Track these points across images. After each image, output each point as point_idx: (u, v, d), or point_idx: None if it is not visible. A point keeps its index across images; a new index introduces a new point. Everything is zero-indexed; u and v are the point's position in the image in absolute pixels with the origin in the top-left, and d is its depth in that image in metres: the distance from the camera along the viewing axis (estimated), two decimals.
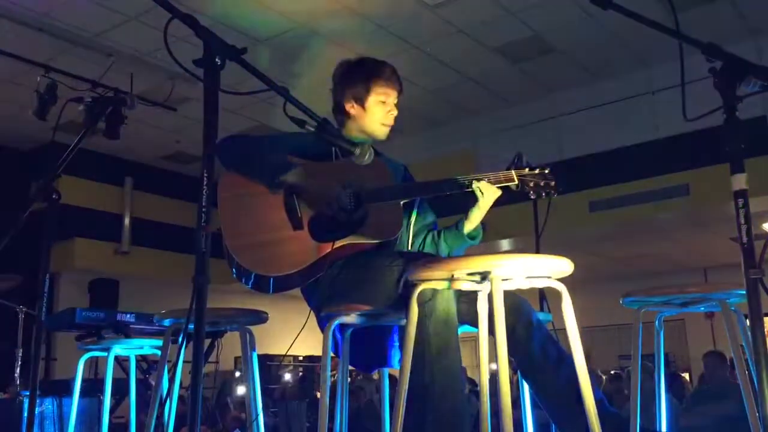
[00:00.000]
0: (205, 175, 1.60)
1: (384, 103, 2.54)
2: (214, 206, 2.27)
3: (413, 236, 2.61)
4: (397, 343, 2.43)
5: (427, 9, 6.88)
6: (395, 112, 2.58)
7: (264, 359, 11.10)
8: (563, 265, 1.86)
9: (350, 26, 7.11)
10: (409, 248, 2.58)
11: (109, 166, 10.28)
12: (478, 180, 2.36)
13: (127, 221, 10.39)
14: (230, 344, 3.43)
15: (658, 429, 2.69)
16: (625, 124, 8.39)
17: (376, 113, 2.54)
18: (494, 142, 9.10)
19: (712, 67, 1.65)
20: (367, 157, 2.06)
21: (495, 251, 8.15)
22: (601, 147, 8.50)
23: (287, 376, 11.77)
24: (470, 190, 2.37)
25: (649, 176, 8.07)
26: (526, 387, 2.49)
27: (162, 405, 2.76)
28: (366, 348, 2.48)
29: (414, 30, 7.29)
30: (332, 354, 2.36)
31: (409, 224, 2.59)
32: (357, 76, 2.56)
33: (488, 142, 9.24)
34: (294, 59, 7.74)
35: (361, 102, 2.54)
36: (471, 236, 2.51)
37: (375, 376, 9.54)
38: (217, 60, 1.63)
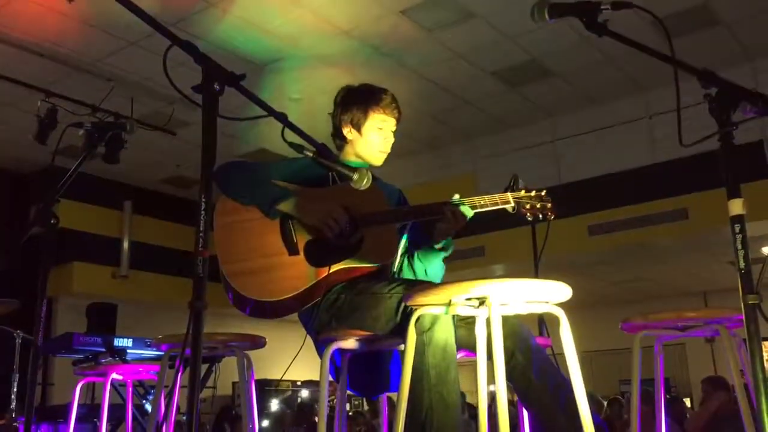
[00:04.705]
0: (203, 199, 1.60)
1: (381, 129, 2.57)
2: (212, 230, 2.28)
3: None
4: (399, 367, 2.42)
5: (425, 33, 6.94)
6: (392, 140, 2.60)
7: (262, 384, 11.03)
8: (562, 290, 1.86)
9: (347, 50, 7.16)
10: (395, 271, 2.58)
11: (109, 190, 10.28)
12: (463, 204, 2.36)
13: (126, 245, 10.36)
14: (228, 369, 3.41)
15: None
16: (623, 148, 8.41)
17: (373, 139, 2.57)
18: (493, 166, 9.13)
19: (707, 94, 1.67)
20: (365, 182, 2.06)
21: (493, 276, 8.15)
22: (600, 171, 8.51)
23: (286, 401, 11.68)
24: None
25: (648, 200, 8.08)
26: (525, 412, 2.47)
27: (158, 431, 2.74)
28: (368, 373, 2.46)
29: (412, 54, 7.34)
30: (331, 379, 2.35)
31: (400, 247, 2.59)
32: (356, 102, 2.59)
33: (487, 166, 9.27)
34: (292, 83, 7.78)
35: (358, 127, 2.57)
36: (443, 248, 2.51)
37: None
38: (215, 86, 1.64)
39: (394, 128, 2.61)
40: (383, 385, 2.49)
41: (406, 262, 2.60)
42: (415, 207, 2.52)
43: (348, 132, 2.59)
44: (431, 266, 2.55)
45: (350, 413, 9.97)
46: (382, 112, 2.57)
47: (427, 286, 1.90)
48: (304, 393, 11.97)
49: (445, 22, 6.77)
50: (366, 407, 10.03)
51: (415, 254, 2.57)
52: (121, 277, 10.26)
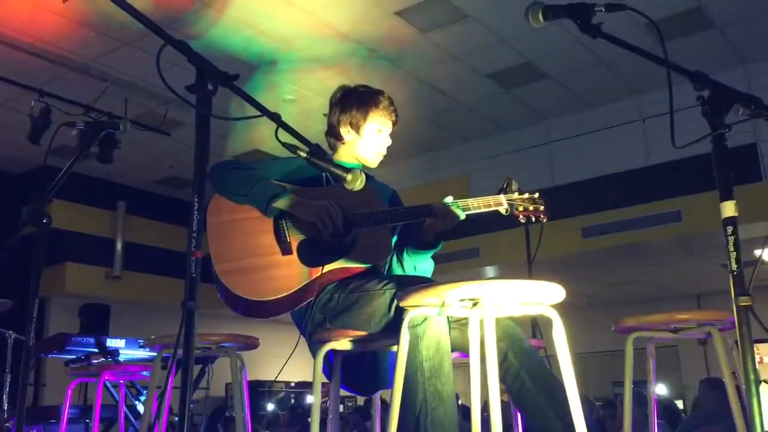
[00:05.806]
0: (196, 199, 1.60)
1: (379, 131, 2.57)
2: (205, 231, 2.27)
3: None
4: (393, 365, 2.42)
5: (420, 35, 6.94)
6: (389, 142, 2.62)
7: (255, 385, 11.01)
8: (555, 291, 1.86)
9: (342, 52, 7.16)
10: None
11: (102, 190, 10.26)
12: (457, 205, 2.37)
13: (119, 245, 10.34)
14: (222, 370, 3.40)
15: None
16: (616, 150, 8.43)
17: (371, 141, 2.58)
18: (488, 168, 9.13)
19: (700, 96, 1.67)
20: (358, 182, 2.06)
21: (486, 277, 8.16)
22: (593, 173, 8.54)
23: (279, 402, 11.66)
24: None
25: (641, 202, 8.10)
26: (518, 414, 2.47)
27: None
28: (365, 371, 2.46)
29: (407, 56, 7.34)
30: (326, 380, 2.34)
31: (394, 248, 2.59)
32: (355, 103, 2.60)
33: (482, 168, 9.28)
34: (286, 85, 7.78)
35: (357, 128, 2.58)
36: (432, 245, 2.51)
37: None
38: (209, 86, 1.64)
39: (391, 130, 2.62)
40: (377, 383, 2.49)
41: (395, 258, 2.60)
42: (408, 208, 2.52)
43: (346, 133, 2.59)
44: (420, 263, 2.56)
45: (342, 414, 9.95)
46: (381, 114, 2.58)
47: (420, 285, 1.90)
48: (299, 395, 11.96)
49: (439, 24, 6.78)
50: (359, 406, 10.01)
51: (405, 251, 2.57)
52: (114, 277, 10.23)
